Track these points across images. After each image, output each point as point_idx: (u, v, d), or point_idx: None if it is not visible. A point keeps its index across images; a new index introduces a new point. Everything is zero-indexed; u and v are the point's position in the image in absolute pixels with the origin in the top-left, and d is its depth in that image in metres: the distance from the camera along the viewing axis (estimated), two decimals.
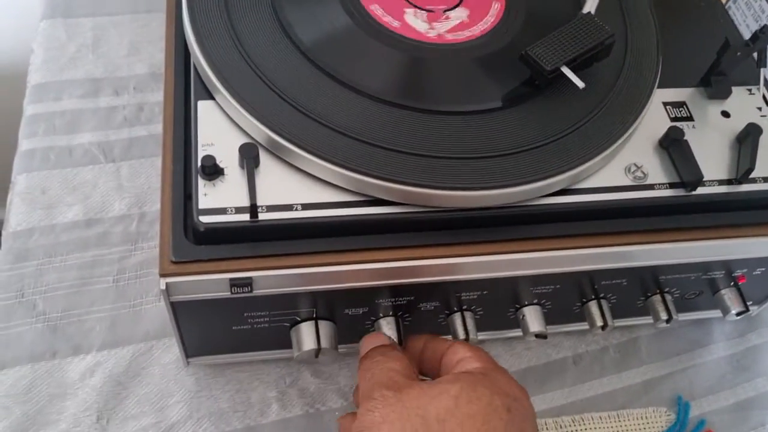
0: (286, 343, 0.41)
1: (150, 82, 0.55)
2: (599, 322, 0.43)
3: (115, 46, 0.57)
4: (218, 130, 0.37)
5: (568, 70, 0.38)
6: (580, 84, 0.38)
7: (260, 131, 0.36)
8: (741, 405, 0.47)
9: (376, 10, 0.42)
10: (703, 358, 0.49)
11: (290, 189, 0.36)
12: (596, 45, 0.39)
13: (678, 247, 0.40)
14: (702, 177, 0.39)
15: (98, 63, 0.56)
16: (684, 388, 0.47)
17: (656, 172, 0.40)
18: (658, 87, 0.43)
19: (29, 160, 0.50)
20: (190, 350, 0.41)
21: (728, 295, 0.45)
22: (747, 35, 0.57)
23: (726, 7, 0.64)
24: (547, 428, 0.44)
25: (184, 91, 0.40)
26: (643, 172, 0.40)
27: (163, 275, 0.34)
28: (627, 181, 0.39)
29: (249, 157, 0.35)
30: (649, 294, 0.44)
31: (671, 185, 0.40)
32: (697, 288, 0.45)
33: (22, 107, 0.53)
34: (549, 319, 0.44)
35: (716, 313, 0.47)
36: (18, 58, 0.61)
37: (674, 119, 0.42)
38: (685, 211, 0.40)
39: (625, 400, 0.46)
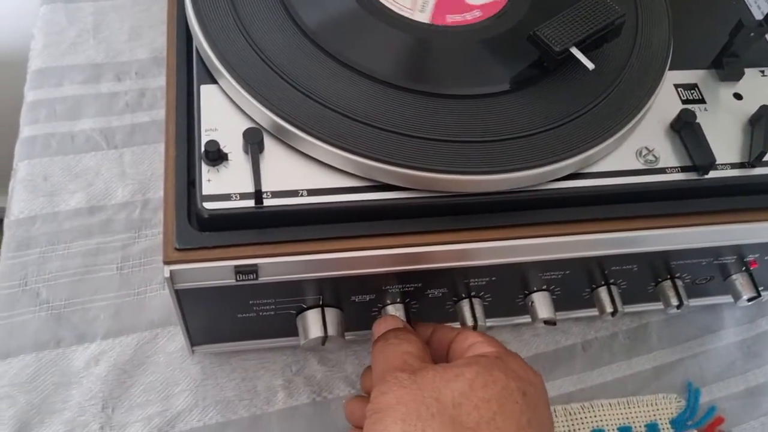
0: (292, 331, 0.40)
1: (152, 67, 0.54)
2: (609, 308, 0.42)
3: (116, 31, 0.56)
4: (222, 114, 0.37)
5: (578, 51, 0.37)
6: (590, 65, 0.37)
7: (265, 116, 0.36)
8: (751, 391, 0.47)
9: None
10: (713, 344, 0.48)
11: (295, 174, 0.35)
12: (606, 25, 0.38)
13: (690, 232, 0.39)
14: (714, 160, 0.38)
15: (99, 48, 0.55)
16: (694, 374, 0.47)
17: (668, 155, 0.39)
18: (670, 69, 0.42)
19: (31, 146, 0.50)
20: (195, 338, 0.41)
21: (740, 280, 0.44)
22: (759, 16, 0.56)
23: None
24: (556, 415, 0.44)
25: (187, 76, 0.39)
26: (654, 156, 0.39)
27: (167, 263, 0.34)
28: (638, 165, 0.39)
29: (253, 142, 0.35)
30: (660, 280, 0.44)
31: (683, 169, 0.39)
32: (709, 273, 0.44)
33: (23, 93, 0.53)
34: (558, 305, 0.43)
35: (727, 299, 0.46)
36: (18, 43, 0.61)
37: (686, 101, 0.42)
38: (698, 196, 0.39)
39: (634, 386, 0.46)
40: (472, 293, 0.41)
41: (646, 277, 0.43)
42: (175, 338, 0.43)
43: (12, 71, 0.58)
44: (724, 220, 0.39)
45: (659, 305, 0.45)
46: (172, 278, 0.34)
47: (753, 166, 0.40)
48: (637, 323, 0.48)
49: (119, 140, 0.51)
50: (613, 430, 0.44)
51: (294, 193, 0.35)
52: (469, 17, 0.41)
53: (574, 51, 0.37)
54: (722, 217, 0.39)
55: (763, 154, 0.39)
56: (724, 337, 0.49)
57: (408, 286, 0.39)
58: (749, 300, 0.44)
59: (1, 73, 0.68)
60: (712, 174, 0.39)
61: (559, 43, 0.37)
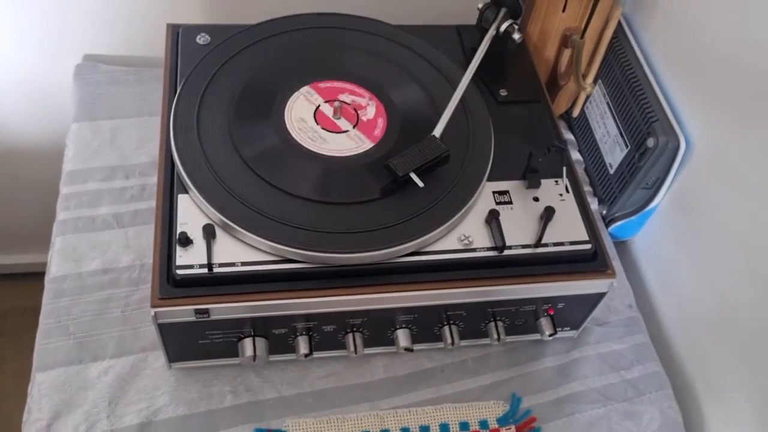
0: (236, 353, 0.61)
1: (151, 169, 0.75)
2: (449, 341, 0.63)
3: (127, 142, 0.77)
4: (190, 214, 0.58)
5: (414, 175, 0.58)
6: (420, 184, 0.58)
7: (216, 216, 0.57)
8: (560, 400, 0.67)
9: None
10: (536, 367, 0.68)
11: (234, 252, 0.56)
12: (435, 157, 0.60)
13: (494, 290, 0.60)
14: (505, 244, 0.59)
15: (114, 154, 0.76)
16: (519, 388, 0.67)
17: (480, 240, 0.60)
18: (490, 180, 0.64)
19: (64, 226, 0.71)
20: (172, 357, 0.62)
21: (543, 322, 0.65)
22: (598, 131, 0.79)
23: (584, 106, 0.86)
24: (414, 414, 0.64)
25: (171, 184, 0.61)
26: (470, 240, 0.60)
27: (152, 307, 0.55)
28: (459, 246, 0.60)
29: (208, 233, 0.56)
30: (487, 321, 0.64)
31: (489, 249, 0.60)
32: (521, 317, 0.65)
33: (59, 188, 0.75)
34: (419, 338, 0.64)
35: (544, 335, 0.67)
36: (57, 150, 0.81)
37: (498, 203, 0.63)
38: (498, 266, 0.60)
39: (476, 396, 0.66)
40: (354, 329, 0.62)
41: (475, 319, 0.64)
42: (159, 359, 0.64)
43: (52, 172, 0.79)
44: (519, 282, 0.60)
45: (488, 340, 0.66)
46: (156, 317, 0.55)
47: (536, 246, 0.61)
48: (482, 353, 0.68)
49: (126, 221, 0.72)
50: (456, 424, 0.64)
51: (232, 264, 0.56)
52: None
53: (412, 175, 0.59)
54: (517, 279, 0.60)
55: (540, 240, 0.60)
56: (545, 362, 0.69)
57: (309, 323, 0.60)
58: (550, 335, 0.65)
59: (44, 172, 0.89)
60: (507, 252, 0.60)
61: (402, 170, 0.59)
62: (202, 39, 0.70)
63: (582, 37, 0.77)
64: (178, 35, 0.71)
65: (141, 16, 0.82)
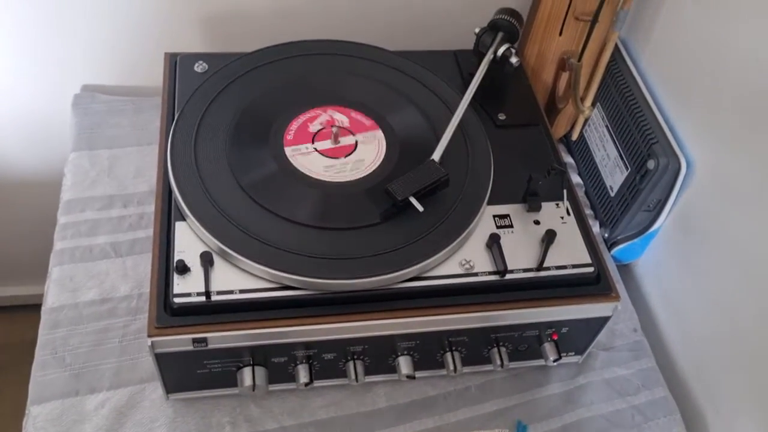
0: (235, 383, 0.60)
1: (149, 198, 0.75)
2: (451, 367, 0.62)
3: (125, 171, 0.77)
4: (188, 241, 0.57)
5: (414, 199, 0.58)
6: (420, 208, 0.58)
7: (214, 243, 0.56)
8: (566, 427, 0.65)
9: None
10: (541, 394, 0.67)
11: (232, 280, 0.56)
12: (435, 181, 0.59)
13: (496, 315, 0.59)
14: (507, 268, 0.59)
15: (112, 184, 0.76)
16: (525, 415, 0.66)
17: (481, 264, 0.60)
18: (490, 204, 0.63)
19: (61, 256, 0.70)
20: (169, 388, 0.61)
21: (547, 347, 0.64)
22: (598, 154, 0.79)
23: (583, 130, 0.86)
24: None
25: (168, 211, 0.60)
26: (471, 265, 0.59)
27: (149, 336, 0.54)
28: (460, 271, 0.59)
29: (206, 260, 0.55)
30: (489, 347, 0.63)
31: (490, 273, 0.59)
32: (524, 343, 0.64)
33: (56, 217, 0.74)
34: (421, 365, 0.63)
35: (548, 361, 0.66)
36: (54, 180, 0.81)
37: (499, 227, 0.62)
38: (500, 290, 0.59)
39: (479, 424, 0.65)
40: (355, 357, 0.61)
41: (478, 345, 0.63)
42: (157, 390, 0.63)
43: (50, 201, 0.79)
44: (522, 306, 0.60)
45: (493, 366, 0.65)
46: (153, 346, 0.54)
47: (539, 270, 0.60)
48: (485, 379, 0.67)
49: (124, 251, 0.71)
50: None
51: (230, 292, 0.55)
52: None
53: (412, 199, 0.58)
54: (519, 304, 0.60)
55: (542, 263, 0.60)
56: (550, 389, 0.68)
57: (309, 351, 0.59)
58: (554, 361, 0.64)
59: (42, 202, 0.89)
60: (509, 276, 0.59)
61: (401, 194, 0.58)
62: (199, 67, 0.70)
63: (579, 60, 0.77)
64: (176, 64, 0.71)
65: (140, 45, 0.83)
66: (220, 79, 0.68)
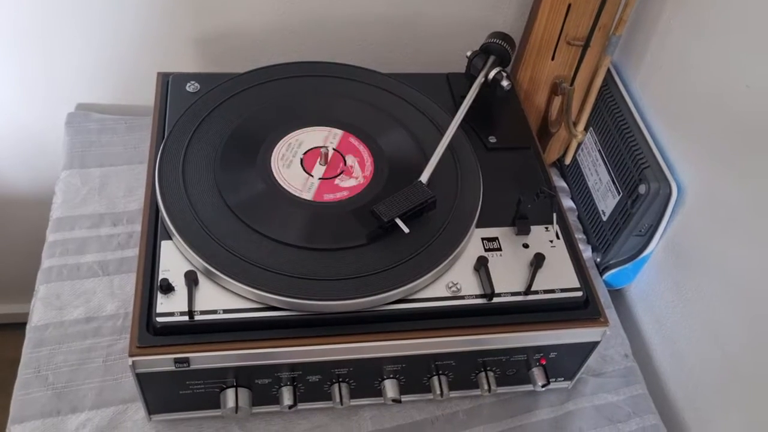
0: (218, 404, 0.59)
1: (138, 217, 0.74)
2: (438, 392, 0.61)
3: (115, 189, 0.77)
4: (173, 260, 0.57)
5: (400, 221, 0.58)
6: (406, 230, 0.57)
7: (199, 262, 0.56)
8: None
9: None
10: (530, 420, 0.66)
11: (216, 299, 0.55)
12: (421, 203, 0.59)
13: (483, 338, 0.59)
14: (494, 291, 0.58)
15: (102, 202, 0.76)
16: None
17: (468, 287, 0.59)
18: (479, 227, 0.63)
19: (48, 274, 0.70)
20: (152, 409, 0.60)
21: (536, 372, 0.63)
22: (590, 178, 0.79)
23: (576, 154, 0.85)
24: None
25: (155, 230, 0.60)
26: (458, 287, 0.59)
27: (131, 355, 0.53)
28: (446, 294, 0.59)
29: (190, 279, 0.55)
30: (477, 371, 0.63)
31: (477, 296, 0.59)
32: (513, 367, 0.63)
33: (45, 234, 0.74)
34: (407, 389, 0.62)
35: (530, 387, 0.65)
36: (44, 198, 0.81)
37: (487, 250, 0.62)
38: (487, 314, 0.59)
39: None
40: (340, 379, 0.60)
41: (466, 369, 0.62)
42: (140, 411, 0.62)
43: (39, 218, 0.79)
44: (509, 330, 0.59)
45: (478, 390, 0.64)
46: (134, 365, 0.54)
47: (527, 294, 0.60)
48: (474, 404, 0.66)
49: (111, 269, 0.71)
50: None
51: (214, 312, 0.55)
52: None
53: (398, 221, 0.58)
54: (507, 328, 0.59)
55: (530, 286, 0.59)
56: (539, 414, 0.67)
57: (294, 373, 0.58)
58: (543, 386, 0.63)
59: (32, 220, 0.89)
60: (496, 300, 0.59)
61: (387, 215, 0.58)
62: (191, 87, 0.70)
63: (572, 84, 0.77)
64: (168, 83, 0.71)
65: (134, 65, 0.83)
66: (210, 100, 0.68)
